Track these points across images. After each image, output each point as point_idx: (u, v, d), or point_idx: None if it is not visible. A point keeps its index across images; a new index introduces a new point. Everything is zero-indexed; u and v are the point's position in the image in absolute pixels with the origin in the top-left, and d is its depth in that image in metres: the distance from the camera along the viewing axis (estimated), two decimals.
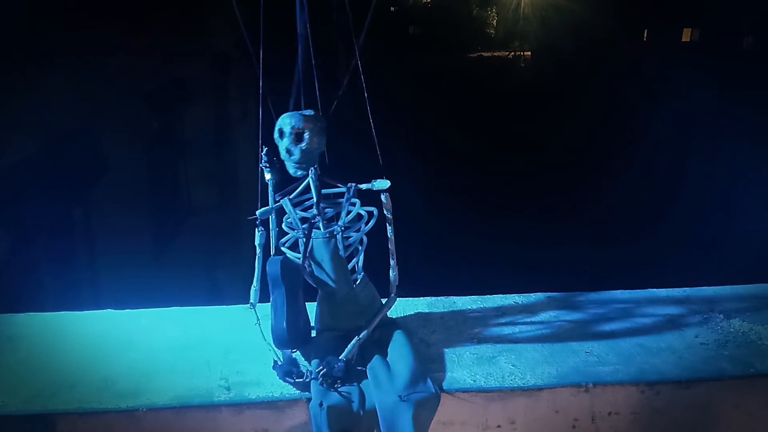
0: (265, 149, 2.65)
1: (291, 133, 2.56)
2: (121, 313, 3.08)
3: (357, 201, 2.70)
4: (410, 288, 3.02)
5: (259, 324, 2.71)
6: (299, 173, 2.63)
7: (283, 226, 2.73)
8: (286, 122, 2.58)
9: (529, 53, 29.39)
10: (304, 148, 2.56)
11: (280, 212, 2.71)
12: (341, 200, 2.70)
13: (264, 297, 2.72)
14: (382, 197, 2.68)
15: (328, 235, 2.67)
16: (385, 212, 2.68)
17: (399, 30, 27.47)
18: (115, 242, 8.00)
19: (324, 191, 2.71)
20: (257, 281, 2.75)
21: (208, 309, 3.14)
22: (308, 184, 2.66)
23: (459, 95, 20.39)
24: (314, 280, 2.71)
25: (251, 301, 2.76)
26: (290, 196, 2.68)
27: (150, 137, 9.63)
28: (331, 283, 2.70)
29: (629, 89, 17.62)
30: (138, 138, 9.26)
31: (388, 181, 2.63)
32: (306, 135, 2.55)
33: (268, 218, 2.70)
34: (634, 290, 3.32)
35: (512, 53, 30.06)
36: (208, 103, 10.76)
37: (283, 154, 2.61)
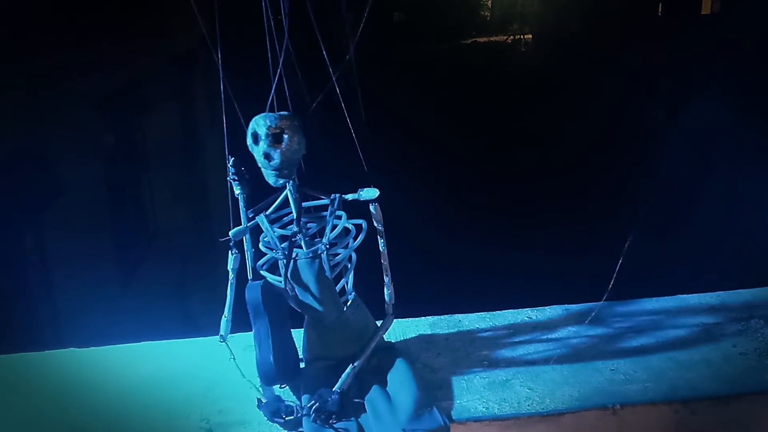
0: (231, 160, 2.61)
1: (267, 135, 2.47)
2: (86, 352, 3.08)
3: (343, 214, 2.68)
4: (409, 307, 3.02)
5: (234, 358, 2.70)
6: (281, 182, 2.55)
7: (260, 245, 2.71)
8: (260, 123, 2.48)
9: (530, 36, 29.43)
10: (284, 149, 2.47)
11: (257, 230, 2.68)
12: (325, 214, 2.68)
13: (237, 327, 2.71)
14: (371, 208, 2.66)
15: (311, 254, 2.64)
16: (375, 224, 2.67)
17: (383, 17, 27.51)
18: (75, 272, 7.95)
19: (305, 204, 2.70)
20: (228, 310, 2.73)
21: (184, 342, 3.13)
22: (286, 197, 2.64)
23: (453, 87, 20.37)
24: (299, 304, 2.69)
25: (221, 332, 2.74)
26: (266, 212, 2.66)
27: (108, 152, 9.59)
28: (318, 307, 2.68)
29: (645, 73, 17.60)
30: (94, 153, 9.23)
31: (377, 190, 2.60)
32: (285, 135, 2.46)
33: (243, 239, 2.68)
34: (662, 297, 3.32)
35: (511, 37, 30.09)
36: (169, 111, 10.74)
37: (260, 161, 2.52)
